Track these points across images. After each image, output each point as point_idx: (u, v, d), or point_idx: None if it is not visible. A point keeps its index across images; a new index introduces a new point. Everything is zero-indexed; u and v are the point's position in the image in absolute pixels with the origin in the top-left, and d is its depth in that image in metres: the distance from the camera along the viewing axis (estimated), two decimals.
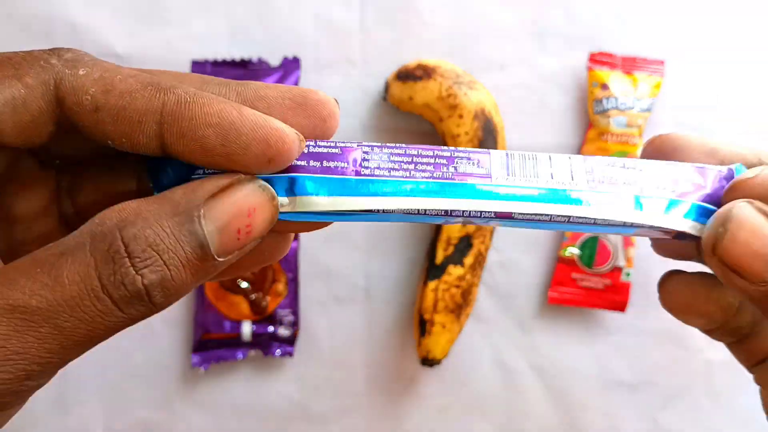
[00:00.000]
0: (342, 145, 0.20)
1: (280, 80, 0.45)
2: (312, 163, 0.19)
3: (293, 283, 0.47)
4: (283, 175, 0.19)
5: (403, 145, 0.20)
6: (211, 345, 0.46)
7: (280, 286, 0.46)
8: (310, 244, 0.47)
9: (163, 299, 0.16)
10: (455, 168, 0.20)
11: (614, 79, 0.47)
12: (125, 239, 0.15)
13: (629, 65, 0.47)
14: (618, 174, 0.20)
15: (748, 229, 0.18)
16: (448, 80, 0.44)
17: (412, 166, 0.20)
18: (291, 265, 0.46)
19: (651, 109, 0.47)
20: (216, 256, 0.16)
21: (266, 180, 0.18)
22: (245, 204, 0.17)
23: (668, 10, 0.48)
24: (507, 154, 0.20)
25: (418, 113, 0.45)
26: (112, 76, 0.17)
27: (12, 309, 0.15)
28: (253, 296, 0.46)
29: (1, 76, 0.16)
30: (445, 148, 0.20)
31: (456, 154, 0.20)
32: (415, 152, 0.20)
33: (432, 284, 0.45)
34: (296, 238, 0.47)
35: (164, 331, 0.47)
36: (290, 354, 0.47)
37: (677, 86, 0.48)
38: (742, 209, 0.18)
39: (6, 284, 0.15)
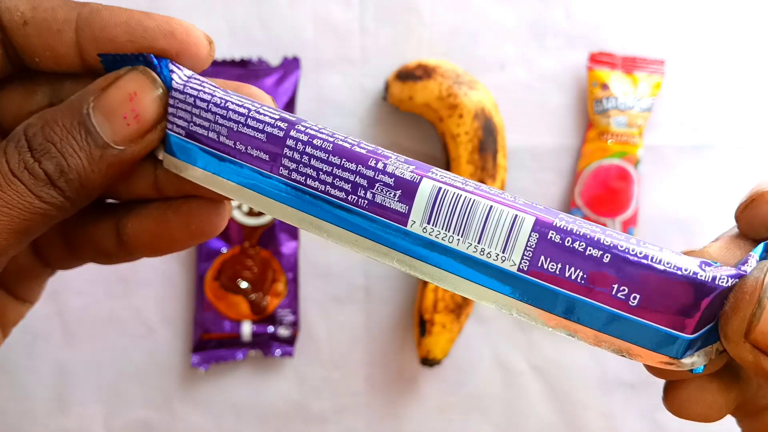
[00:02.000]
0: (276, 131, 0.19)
1: (280, 80, 0.45)
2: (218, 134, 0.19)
3: (293, 283, 0.47)
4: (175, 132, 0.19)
5: (332, 143, 0.18)
6: (211, 345, 0.46)
7: (280, 286, 0.46)
8: (310, 244, 0.47)
9: (66, 184, 0.18)
10: (372, 196, 0.17)
11: (614, 79, 0.47)
12: (27, 136, 0.18)
13: (629, 65, 0.47)
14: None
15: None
16: (448, 80, 0.44)
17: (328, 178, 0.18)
18: (291, 265, 0.46)
19: (651, 109, 0.47)
20: (112, 144, 0.18)
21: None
22: (125, 88, 0.18)
23: (668, 10, 0.48)
24: (439, 191, 0.17)
25: (418, 113, 0.45)
26: None
27: None
28: (252, 296, 0.46)
29: None
30: (372, 161, 0.17)
31: (379, 177, 0.17)
32: (338, 161, 0.18)
33: (432, 284, 0.45)
34: (296, 238, 0.47)
35: (164, 331, 0.47)
36: (290, 354, 0.47)
37: (677, 86, 0.48)
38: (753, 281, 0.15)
39: None
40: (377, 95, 0.47)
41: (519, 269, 0.16)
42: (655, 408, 0.49)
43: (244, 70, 0.45)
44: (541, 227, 0.16)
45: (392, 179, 0.17)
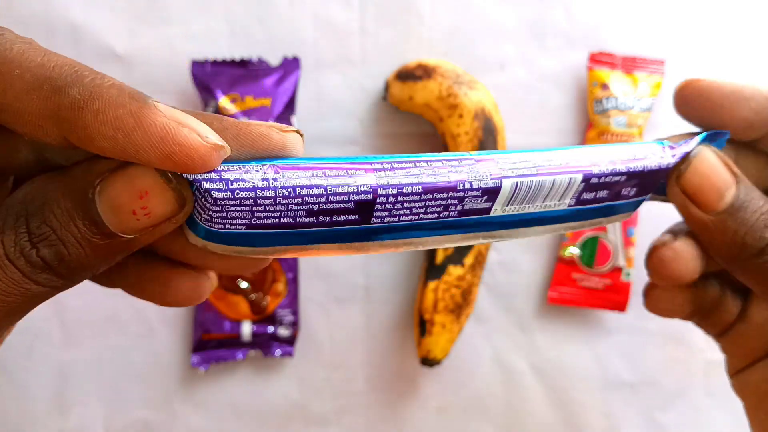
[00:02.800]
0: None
1: (280, 80, 0.45)
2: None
3: (293, 283, 0.47)
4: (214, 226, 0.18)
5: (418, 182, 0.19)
6: (211, 345, 0.46)
7: (280, 286, 0.46)
8: None
9: (67, 271, 0.17)
10: (461, 207, 0.20)
11: (614, 79, 0.47)
12: (28, 215, 0.16)
13: (629, 65, 0.47)
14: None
15: (708, 165, 0.21)
16: (448, 80, 0.44)
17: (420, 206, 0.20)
18: (291, 265, 0.46)
19: (651, 109, 0.47)
20: (120, 234, 0.17)
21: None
22: (135, 185, 0.17)
23: (668, 10, 0.48)
24: (516, 185, 0.20)
25: (418, 113, 0.45)
26: (10, 70, 0.16)
27: None
28: (253, 296, 0.46)
29: None
30: (460, 184, 0.19)
31: (468, 194, 0.20)
32: (430, 197, 0.19)
33: (432, 284, 0.45)
34: None
35: (164, 331, 0.47)
36: (290, 354, 0.47)
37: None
38: (706, 150, 0.22)
39: None
40: (377, 95, 0.47)
41: (569, 206, 0.22)
42: (655, 408, 0.49)
43: (244, 70, 0.45)
44: (585, 178, 0.21)
45: (479, 191, 0.20)
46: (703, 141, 0.23)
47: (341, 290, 0.48)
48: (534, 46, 0.48)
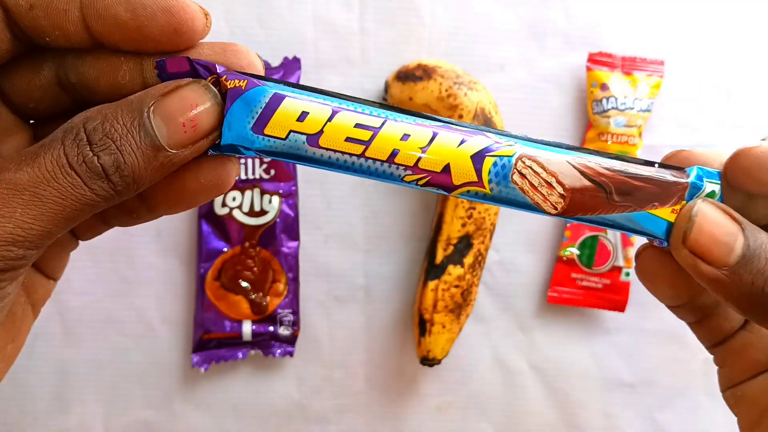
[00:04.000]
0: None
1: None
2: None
3: (293, 283, 0.47)
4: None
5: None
6: (211, 345, 0.46)
7: (280, 286, 0.46)
8: (310, 244, 0.47)
9: (120, 179, 0.19)
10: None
11: (614, 80, 0.47)
12: (87, 130, 0.19)
13: (629, 65, 0.47)
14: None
15: (711, 220, 0.21)
16: (448, 80, 0.44)
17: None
18: (291, 265, 0.47)
19: (650, 110, 0.47)
20: (167, 147, 0.19)
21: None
22: (187, 99, 0.20)
23: (668, 10, 0.48)
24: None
25: None
26: None
27: (2, 182, 0.18)
28: (253, 296, 0.46)
29: None
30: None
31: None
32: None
33: (432, 284, 0.45)
34: (297, 238, 0.47)
35: (164, 331, 0.47)
36: (290, 354, 0.47)
37: (677, 86, 0.48)
38: (705, 206, 0.21)
39: (1, 167, 0.18)
40: (377, 96, 0.47)
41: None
42: (655, 408, 0.49)
43: None
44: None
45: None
46: (698, 180, 0.22)
47: (341, 290, 0.48)
48: (534, 47, 0.48)
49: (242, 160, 0.46)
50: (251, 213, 0.46)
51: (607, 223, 0.21)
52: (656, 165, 0.22)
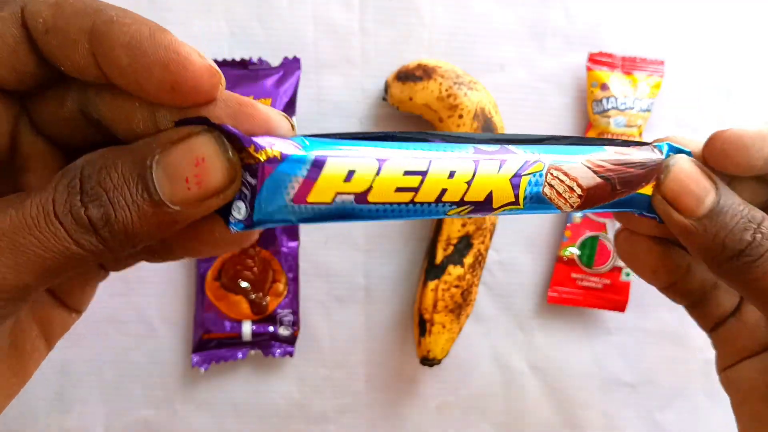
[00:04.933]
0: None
1: (281, 80, 0.46)
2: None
3: (293, 283, 0.47)
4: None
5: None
6: (211, 345, 0.46)
7: (280, 286, 0.46)
8: (310, 244, 0.47)
9: (109, 235, 0.17)
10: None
11: (614, 80, 0.47)
12: (83, 176, 0.17)
13: (629, 65, 0.47)
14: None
15: (686, 172, 0.22)
16: (448, 80, 0.44)
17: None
18: (291, 265, 0.47)
19: (651, 110, 0.47)
20: (169, 204, 0.17)
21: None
22: (194, 152, 0.17)
23: (668, 10, 0.48)
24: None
25: (418, 113, 0.45)
26: (65, 1, 0.18)
27: None
28: (253, 296, 0.46)
29: None
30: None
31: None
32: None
33: (432, 284, 0.45)
34: (297, 238, 0.47)
35: (164, 330, 0.47)
36: (290, 354, 0.47)
37: (677, 86, 0.48)
38: (682, 158, 0.23)
39: None
40: (377, 96, 0.47)
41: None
42: (655, 408, 0.49)
43: (244, 70, 0.45)
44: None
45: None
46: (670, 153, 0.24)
47: (341, 290, 0.48)
48: (534, 47, 0.48)
49: None
50: None
51: (605, 207, 0.23)
52: (632, 145, 0.23)
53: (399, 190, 0.19)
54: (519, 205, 0.21)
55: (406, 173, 0.19)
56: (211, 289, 0.46)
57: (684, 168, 0.22)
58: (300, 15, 0.47)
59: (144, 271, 0.47)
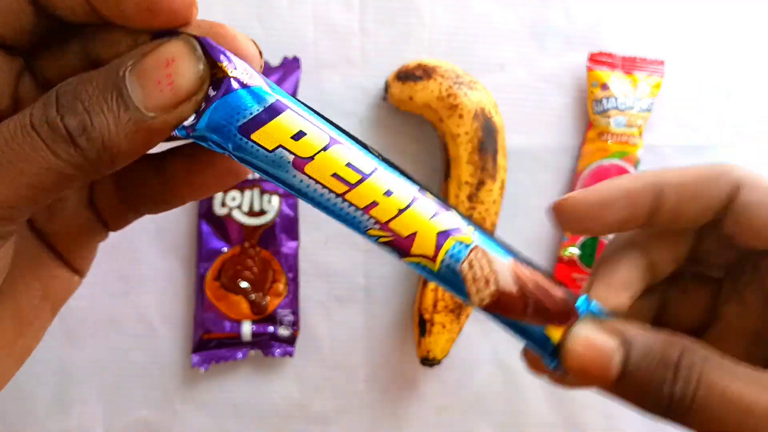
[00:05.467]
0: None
1: (281, 80, 0.46)
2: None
3: (293, 283, 0.47)
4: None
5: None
6: (211, 345, 0.46)
7: (280, 286, 0.46)
8: (310, 244, 0.47)
9: (87, 144, 0.17)
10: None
11: (614, 79, 0.47)
12: (59, 92, 0.17)
13: (629, 65, 0.47)
14: None
15: (584, 346, 0.21)
16: (448, 80, 0.44)
17: None
18: (291, 265, 0.47)
19: (651, 109, 0.47)
20: (143, 109, 0.18)
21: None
22: (165, 53, 0.18)
23: (668, 10, 0.48)
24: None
25: (418, 113, 0.45)
26: None
27: None
28: (253, 296, 0.46)
29: None
30: None
31: None
32: None
33: (432, 284, 0.45)
34: (297, 238, 0.47)
35: (164, 330, 0.47)
36: (290, 354, 0.47)
37: (677, 86, 0.48)
38: (578, 331, 0.21)
39: None
40: (377, 95, 0.47)
41: None
42: None
43: None
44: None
45: None
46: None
47: (341, 290, 0.48)
48: (534, 47, 0.48)
49: None
50: (251, 213, 0.46)
51: (508, 326, 0.21)
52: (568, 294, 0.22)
53: (336, 176, 0.19)
54: (434, 264, 0.20)
55: (349, 165, 0.19)
56: (211, 289, 0.46)
57: (581, 342, 0.21)
58: (300, 15, 0.47)
59: (144, 271, 0.47)
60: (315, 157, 0.19)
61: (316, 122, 0.19)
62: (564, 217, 0.23)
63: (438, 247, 0.20)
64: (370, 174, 0.19)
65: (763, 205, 0.22)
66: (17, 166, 0.17)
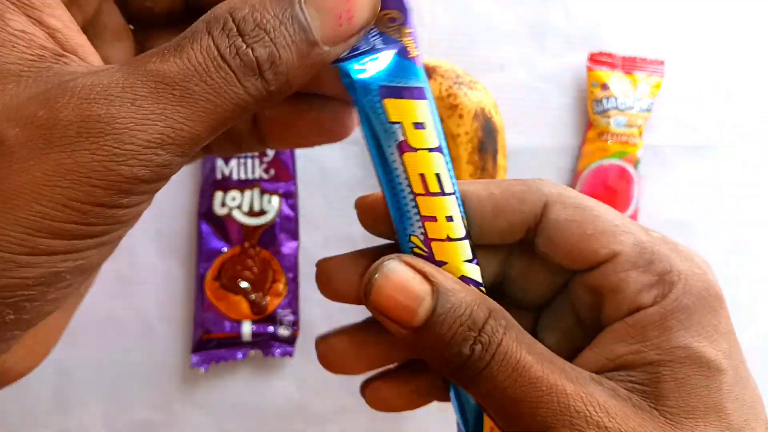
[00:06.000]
0: None
1: None
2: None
3: (293, 283, 0.47)
4: None
5: None
6: (211, 345, 0.46)
7: (280, 286, 0.46)
8: (310, 244, 0.47)
9: (273, 77, 0.17)
10: None
11: (614, 79, 0.47)
12: (236, 20, 0.16)
13: (629, 65, 0.47)
14: None
15: (394, 282, 0.19)
16: (448, 80, 0.44)
17: None
18: (291, 265, 0.47)
19: (651, 109, 0.47)
20: (321, 42, 0.17)
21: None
22: None
23: (668, 10, 0.48)
24: None
25: None
26: None
27: (148, 73, 0.16)
28: (253, 296, 0.46)
29: None
30: None
31: None
32: None
33: None
34: (297, 238, 0.47)
35: (164, 331, 0.47)
36: (290, 354, 0.47)
37: (677, 86, 0.48)
38: (390, 264, 0.20)
39: (139, 59, 0.16)
40: None
41: None
42: None
43: None
44: None
45: None
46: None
47: None
48: (534, 47, 0.48)
49: (242, 160, 0.46)
50: (251, 213, 0.46)
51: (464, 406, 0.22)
52: None
53: (421, 177, 0.20)
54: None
55: (437, 175, 0.20)
56: (210, 289, 0.46)
57: (390, 277, 0.20)
58: None
59: (143, 271, 0.47)
60: (418, 151, 0.19)
61: (437, 124, 0.20)
62: (364, 215, 0.23)
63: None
64: (447, 194, 0.20)
65: (573, 223, 0.21)
66: (210, 99, 0.16)
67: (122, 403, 0.47)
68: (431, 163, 0.19)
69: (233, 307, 0.46)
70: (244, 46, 0.16)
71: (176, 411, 0.47)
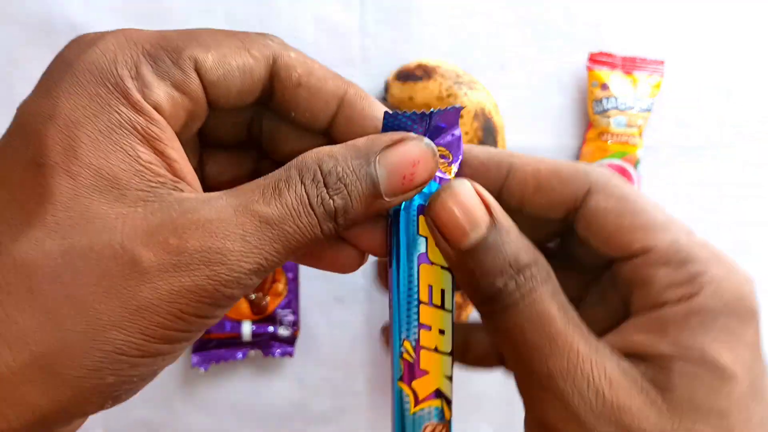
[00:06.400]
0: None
1: None
2: None
3: (293, 283, 0.47)
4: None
5: None
6: (211, 345, 0.46)
7: (280, 286, 0.46)
8: None
9: (344, 222, 0.20)
10: None
11: (614, 79, 0.47)
12: (323, 172, 0.20)
13: (629, 65, 0.47)
14: None
15: (458, 199, 0.21)
16: (448, 80, 0.44)
17: None
18: (291, 265, 0.47)
19: (651, 109, 0.47)
20: (384, 195, 0.20)
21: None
22: (412, 155, 0.21)
23: (668, 10, 0.48)
24: None
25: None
26: (311, 63, 0.23)
27: (255, 213, 0.19)
28: (253, 296, 0.46)
29: (233, 46, 0.21)
30: None
31: None
32: None
33: None
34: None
35: None
36: (290, 354, 0.47)
37: (677, 86, 0.48)
38: (460, 183, 0.21)
39: (244, 195, 0.19)
40: (377, 96, 0.47)
41: None
42: None
43: None
44: None
45: None
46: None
47: (341, 290, 0.48)
48: (534, 47, 0.48)
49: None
50: None
51: None
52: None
53: (429, 287, 0.22)
54: (414, 407, 0.23)
55: (442, 291, 0.22)
56: None
57: (457, 194, 0.21)
58: (300, 15, 0.47)
59: None
60: (434, 264, 0.22)
61: None
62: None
63: (428, 398, 0.23)
64: (446, 310, 0.22)
65: (611, 213, 0.22)
66: (297, 239, 0.19)
67: (122, 403, 0.47)
68: (441, 279, 0.22)
69: (233, 307, 0.46)
70: (328, 197, 0.20)
71: (176, 410, 0.47)
